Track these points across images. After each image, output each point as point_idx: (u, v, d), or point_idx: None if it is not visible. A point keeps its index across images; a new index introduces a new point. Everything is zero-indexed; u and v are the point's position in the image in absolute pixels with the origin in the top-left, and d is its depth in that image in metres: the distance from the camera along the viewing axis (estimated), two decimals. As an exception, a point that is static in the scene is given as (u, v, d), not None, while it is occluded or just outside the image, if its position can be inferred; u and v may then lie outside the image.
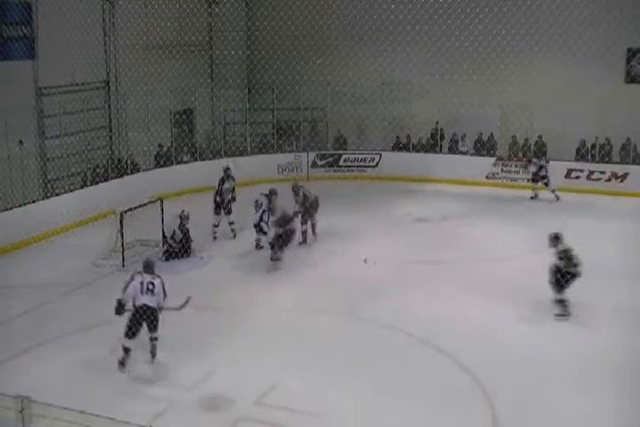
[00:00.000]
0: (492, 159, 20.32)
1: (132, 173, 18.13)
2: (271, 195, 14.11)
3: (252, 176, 18.76)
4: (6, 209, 14.40)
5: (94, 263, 13.33)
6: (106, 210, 15.32)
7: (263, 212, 13.67)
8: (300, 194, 14.54)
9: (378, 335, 10.34)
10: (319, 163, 21.54)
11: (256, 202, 13.76)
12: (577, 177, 19.41)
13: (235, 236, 15.05)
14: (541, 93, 18.84)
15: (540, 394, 8.58)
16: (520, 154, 20.23)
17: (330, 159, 21.64)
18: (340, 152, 21.81)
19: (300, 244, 14.41)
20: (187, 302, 9.92)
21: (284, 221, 13.22)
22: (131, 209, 13.58)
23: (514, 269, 12.66)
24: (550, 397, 8.53)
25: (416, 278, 12.49)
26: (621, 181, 19.07)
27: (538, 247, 14.08)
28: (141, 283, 9.21)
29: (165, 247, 13.74)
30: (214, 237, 14.97)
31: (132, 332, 9.08)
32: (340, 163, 21.63)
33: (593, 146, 19.93)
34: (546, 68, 19.66)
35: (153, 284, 9.24)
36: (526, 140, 20.61)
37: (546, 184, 18.37)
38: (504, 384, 8.76)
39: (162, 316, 9.52)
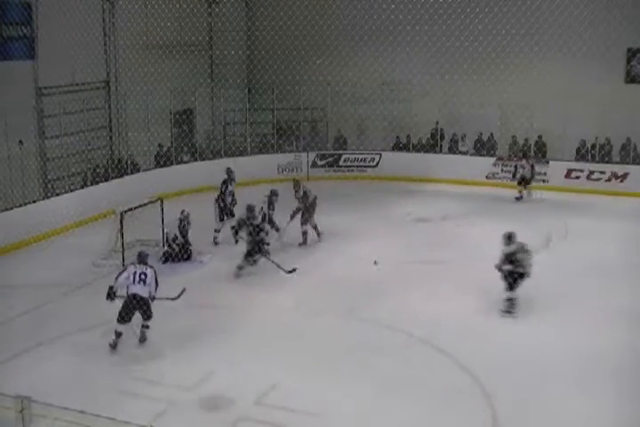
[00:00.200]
0: (492, 159, 20.33)
1: (132, 173, 18.12)
2: (272, 195, 14.15)
3: (253, 176, 18.78)
4: (6, 209, 14.39)
5: (94, 263, 13.33)
6: (106, 210, 15.32)
7: (264, 214, 13.73)
8: (301, 191, 14.55)
9: (378, 335, 10.34)
10: (319, 163, 21.55)
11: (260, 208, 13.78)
12: (577, 177, 19.42)
13: (237, 242, 14.67)
14: (541, 93, 18.85)
15: (541, 394, 8.58)
16: (520, 154, 20.22)
17: (330, 159, 21.64)
18: (340, 152, 21.81)
19: (299, 244, 14.42)
20: (182, 292, 10.29)
21: (251, 215, 12.81)
22: (131, 209, 13.57)
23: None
24: (550, 397, 8.53)
25: (416, 278, 12.49)
26: (621, 181, 19.07)
27: (537, 247, 14.15)
28: (134, 273, 9.75)
29: (165, 249, 13.71)
30: (215, 243, 14.64)
31: (123, 318, 9.63)
32: (340, 163, 21.63)
33: (593, 146, 19.94)
34: (546, 68, 19.67)
35: (145, 274, 9.77)
36: (526, 140, 20.60)
37: (527, 183, 18.40)
38: (504, 384, 8.76)
39: (161, 312, 9.78)
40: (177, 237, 13.74)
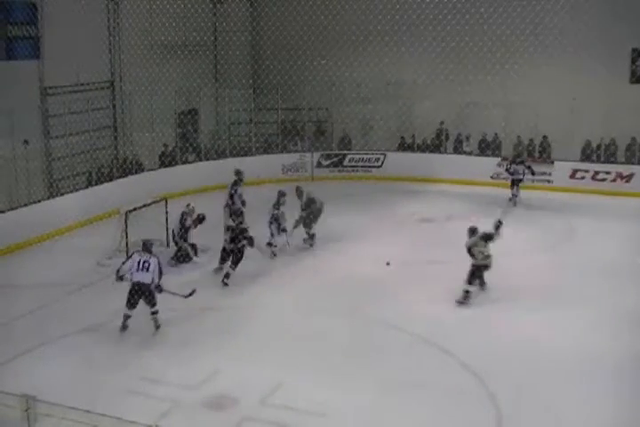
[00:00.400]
0: (497, 159, 20.29)
1: (136, 172, 18.13)
2: (280, 196, 14.10)
3: (257, 176, 18.77)
4: (11, 208, 14.41)
5: (99, 263, 13.34)
6: (110, 210, 15.33)
7: (273, 214, 13.78)
8: (304, 198, 14.46)
9: (382, 335, 10.34)
10: (324, 163, 21.54)
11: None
12: (582, 177, 19.37)
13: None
14: (546, 94, 18.82)
15: (543, 394, 8.56)
16: (525, 154, 20.19)
17: (334, 159, 21.63)
18: (345, 152, 21.80)
19: (310, 246, 14.42)
20: (193, 291, 10.73)
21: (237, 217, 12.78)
22: (135, 209, 13.59)
23: (518, 268, 12.61)
24: (552, 397, 8.51)
25: (420, 278, 12.48)
26: (627, 181, 19.03)
27: (542, 247, 14.15)
28: (138, 261, 10.26)
29: (176, 252, 13.58)
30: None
31: (129, 303, 10.25)
32: (345, 163, 21.62)
33: (598, 146, 19.91)
34: (551, 68, 19.64)
35: (148, 262, 10.23)
36: (531, 140, 20.57)
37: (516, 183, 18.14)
38: (507, 384, 8.75)
39: (165, 312, 9.90)
40: (180, 232, 13.60)
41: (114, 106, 18.68)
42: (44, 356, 9.58)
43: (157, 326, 10.37)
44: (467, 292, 11.37)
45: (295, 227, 14.43)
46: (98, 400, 7.54)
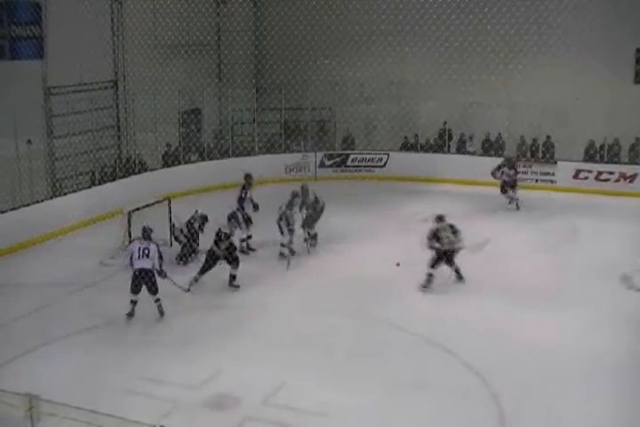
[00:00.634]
0: (500, 159, 20.23)
1: (139, 172, 18.12)
2: (293, 197, 13.97)
3: (260, 176, 18.71)
4: (14, 208, 14.43)
5: (102, 262, 13.35)
6: (113, 209, 15.36)
7: (283, 213, 13.68)
8: (312, 196, 14.42)
9: (386, 336, 10.34)
10: (327, 163, 21.52)
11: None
12: (585, 178, 19.33)
13: (254, 250, 14.31)
14: (549, 93, 18.79)
15: (545, 394, 8.55)
16: (528, 154, 20.15)
17: (337, 159, 21.61)
18: (348, 152, 21.77)
19: (312, 246, 14.40)
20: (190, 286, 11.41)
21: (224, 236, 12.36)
22: (138, 208, 13.60)
23: (520, 268, 12.62)
24: (554, 396, 8.50)
25: (423, 278, 12.45)
26: (630, 181, 18.99)
27: (545, 247, 14.12)
28: (139, 249, 10.62)
29: (179, 252, 13.59)
30: (242, 251, 13.71)
31: (133, 289, 10.64)
32: (348, 163, 21.60)
33: (601, 146, 19.86)
34: (554, 68, 19.61)
35: (148, 249, 10.58)
36: (534, 140, 20.54)
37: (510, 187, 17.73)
38: (510, 384, 8.74)
39: (167, 312, 10.16)
40: (182, 231, 13.61)
41: (117, 106, 18.71)
42: (45, 355, 9.59)
43: (162, 313, 10.72)
44: (430, 275, 11.83)
45: (303, 226, 14.38)
46: (99, 400, 7.53)
